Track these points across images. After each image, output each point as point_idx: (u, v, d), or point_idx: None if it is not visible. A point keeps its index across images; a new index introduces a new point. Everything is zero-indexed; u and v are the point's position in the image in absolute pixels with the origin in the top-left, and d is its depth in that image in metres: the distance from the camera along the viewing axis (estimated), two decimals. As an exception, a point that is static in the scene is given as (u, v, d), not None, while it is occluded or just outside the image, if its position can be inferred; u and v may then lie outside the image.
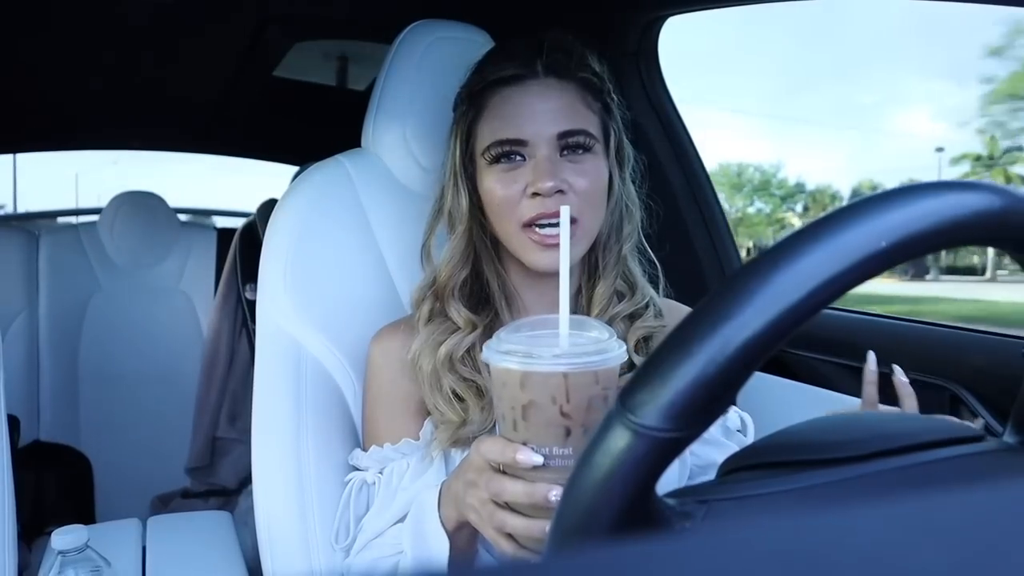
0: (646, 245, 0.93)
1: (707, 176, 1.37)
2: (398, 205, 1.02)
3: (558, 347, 0.59)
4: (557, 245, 0.82)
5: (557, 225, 0.82)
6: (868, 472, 0.43)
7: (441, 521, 0.73)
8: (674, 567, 0.22)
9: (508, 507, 0.63)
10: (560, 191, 0.82)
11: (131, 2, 1.40)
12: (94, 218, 2.48)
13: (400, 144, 1.02)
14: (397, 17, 1.07)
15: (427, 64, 1.01)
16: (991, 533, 0.23)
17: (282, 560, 0.93)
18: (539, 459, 0.59)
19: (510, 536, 0.63)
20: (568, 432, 0.58)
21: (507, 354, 0.58)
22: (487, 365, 0.62)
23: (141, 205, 2.40)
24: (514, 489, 0.61)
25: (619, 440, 0.35)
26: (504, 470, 0.62)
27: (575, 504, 0.36)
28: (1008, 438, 0.50)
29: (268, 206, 2.04)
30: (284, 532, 0.93)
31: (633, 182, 0.91)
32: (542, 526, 0.60)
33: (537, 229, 0.82)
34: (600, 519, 0.36)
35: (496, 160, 0.84)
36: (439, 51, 1.02)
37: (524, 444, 0.59)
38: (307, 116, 2.27)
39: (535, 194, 0.82)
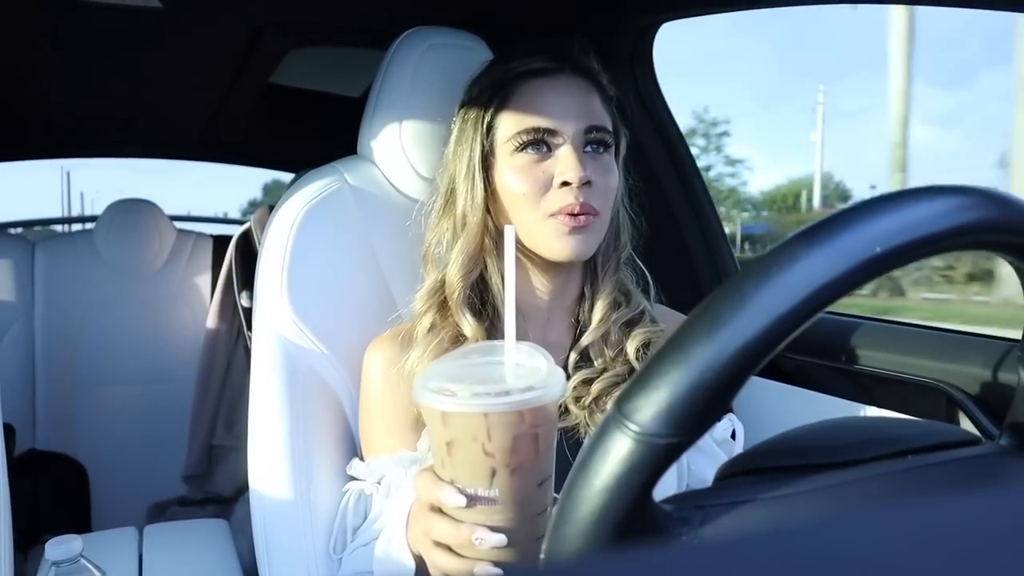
0: (635, 257, 0.94)
1: (702, 181, 1.37)
2: (394, 211, 1.02)
3: (483, 384, 0.55)
4: (584, 228, 0.82)
5: (584, 215, 0.82)
6: (865, 476, 0.43)
7: (408, 544, 0.72)
8: (671, 574, 0.22)
9: (442, 545, 0.61)
10: (589, 183, 0.82)
11: (126, 9, 1.40)
12: (90, 226, 2.48)
13: (396, 150, 1.02)
14: (393, 23, 1.07)
15: (422, 70, 1.01)
16: (987, 537, 0.23)
17: (279, 568, 0.93)
18: (462, 500, 0.56)
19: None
20: (493, 473, 0.55)
21: (430, 390, 0.55)
22: None
23: (137, 213, 2.40)
24: (441, 529, 0.59)
25: (616, 446, 0.35)
26: (437, 507, 0.60)
27: (572, 510, 0.36)
28: (1003, 442, 0.50)
29: (264, 213, 2.04)
30: (281, 540, 0.93)
31: (628, 198, 0.93)
32: (469, 567, 0.59)
33: (562, 216, 0.82)
34: (597, 525, 0.36)
35: (522, 148, 0.84)
36: (434, 57, 1.02)
37: (451, 482, 0.57)
38: (303, 123, 2.27)
39: (564, 183, 0.82)
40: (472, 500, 0.57)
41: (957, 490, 0.43)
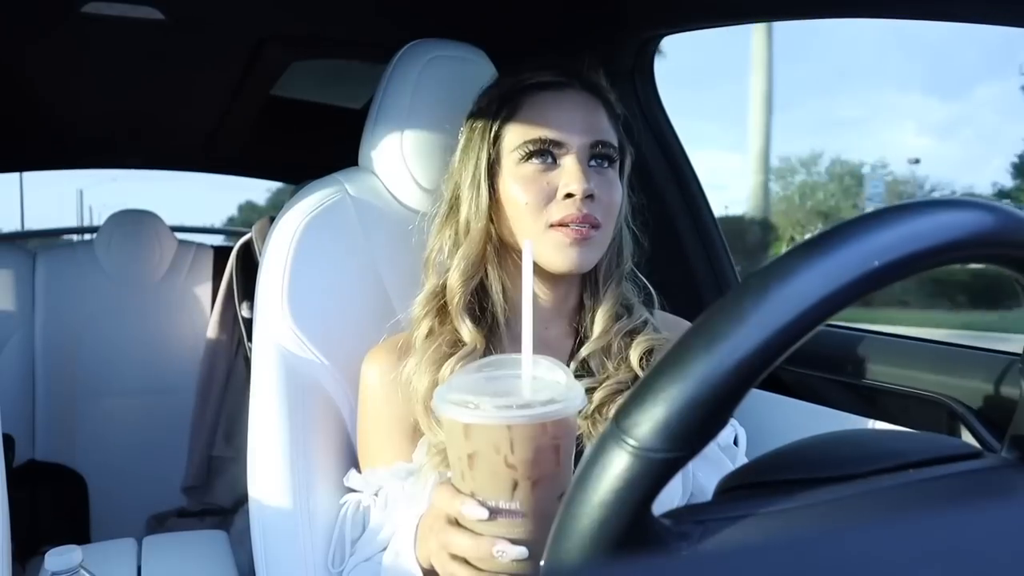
0: (636, 272, 0.95)
1: (703, 194, 1.37)
2: (395, 223, 1.02)
3: (505, 397, 0.56)
4: (586, 239, 0.83)
5: (585, 227, 0.83)
6: (866, 490, 0.43)
7: (417, 558, 0.71)
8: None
9: (460, 559, 0.61)
10: (591, 196, 0.83)
11: (129, 22, 1.41)
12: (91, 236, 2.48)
13: (397, 162, 1.02)
14: (394, 36, 1.07)
15: (424, 82, 1.02)
16: (989, 549, 0.23)
17: (278, 580, 0.93)
18: (484, 513, 0.57)
19: None
20: (515, 485, 0.56)
21: (452, 403, 0.56)
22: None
23: (138, 223, 2.40)
24: (460, 542, 0.59)
25: (615, 461, 0.35)
26: (455, 520, 0.60)
27: (571, 525, 0.36)
28: (1005, 454, 0.50)
29: (265, 224, 2.04)
30: (280, 551, 0.93)
31: (632, 215, 0.94)
32: None
33: (563, 227, 0.83)
34: (596, 540, 0.35)
35: (528, 157, 0.85)
36: (436, 70, 1.03)
37: (472, 495, 0.57)
38: (304, 135, 2.28)
39: (568, 195, 0.83)
40: (494, 513, 0.57)
41: (959, 503, 0.43)
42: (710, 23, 1.26)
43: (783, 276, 0.36)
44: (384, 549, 0.81)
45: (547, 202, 0.83)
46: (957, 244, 0.37)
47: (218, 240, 3.15)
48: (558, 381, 0.58)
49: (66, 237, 4.30)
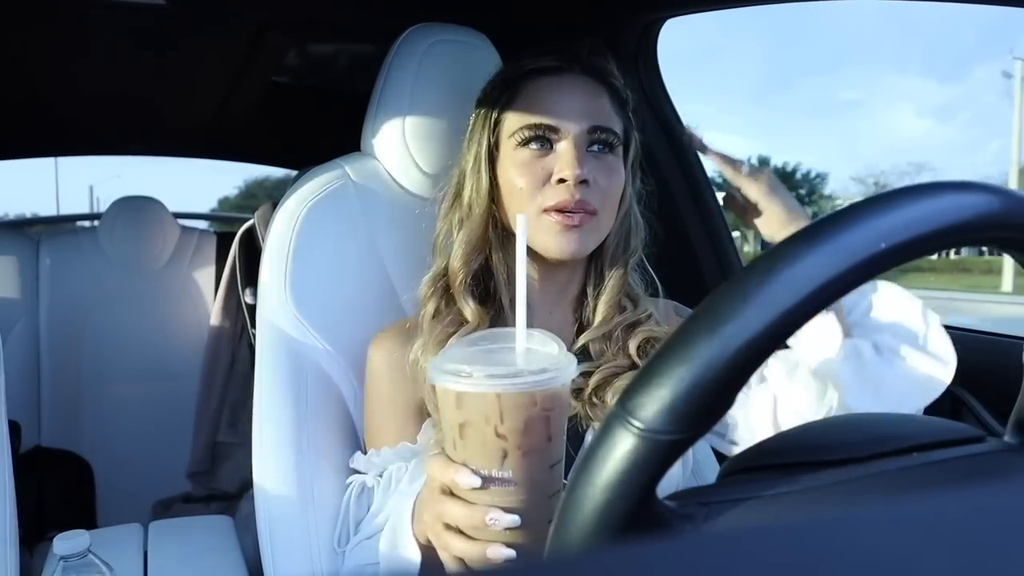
0: (647, 264, 0.95)
1: (707, 179, 1.37)
2: (397, 208, 1.02)
3: (497, 366, 0.56)
4: (576, 227, 0.83)
5: (579, 213, 0.83)
6: (869, 474, 0.43)
7: (415, 534, 0.72)
8: (675, 570, 0.22)
9: (454, 528, 0.61)
10: (585, 181, 0.83)
11: (131, 8, 1.40)
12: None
13: (399, 147, 1.02)
14: (396, 20, 1.07)
15: (426, 67, 1.01)
16: (992, 534, 0.23)
17: (284, 564, 0.93)
18: (476, 481, 0.57)
19: (460, 558, 0.62)
20: (505, 454, 0.56)
21: (445, 372, 0.56)
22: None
23: (141, 210, 2.40)
24: (454, 511, 0.60)
25: (619, 443, 0.35)
26: (449, 490, 0.61)
27: (576, 507, 0.36)
28: (1008, 439, 0.50)
29: (267, 210, 2.04)
30: (285, 536, 0.93)
31: (639, 202, 0.93)
32: (482, 549, 0.59)
33: (556, 213, 0.83)
34: (601, 522, 0.36)
35: (525, 143, 0.85)
36: (438, 54, 1.02)
37: (464, 464, 0.58)
38: (306, 120, 2.27)
39: (561, 180, 0.83)
40: (486, 481, 0.57)
41: (962, 487, 0.43)
42: (714, 5, 1.25)
43: (789, 258, 0.36)
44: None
45: (541, 187, 0.84)
46: (964, 227, 0.37)
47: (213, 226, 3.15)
48: (550, 353, 0.59)
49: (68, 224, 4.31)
